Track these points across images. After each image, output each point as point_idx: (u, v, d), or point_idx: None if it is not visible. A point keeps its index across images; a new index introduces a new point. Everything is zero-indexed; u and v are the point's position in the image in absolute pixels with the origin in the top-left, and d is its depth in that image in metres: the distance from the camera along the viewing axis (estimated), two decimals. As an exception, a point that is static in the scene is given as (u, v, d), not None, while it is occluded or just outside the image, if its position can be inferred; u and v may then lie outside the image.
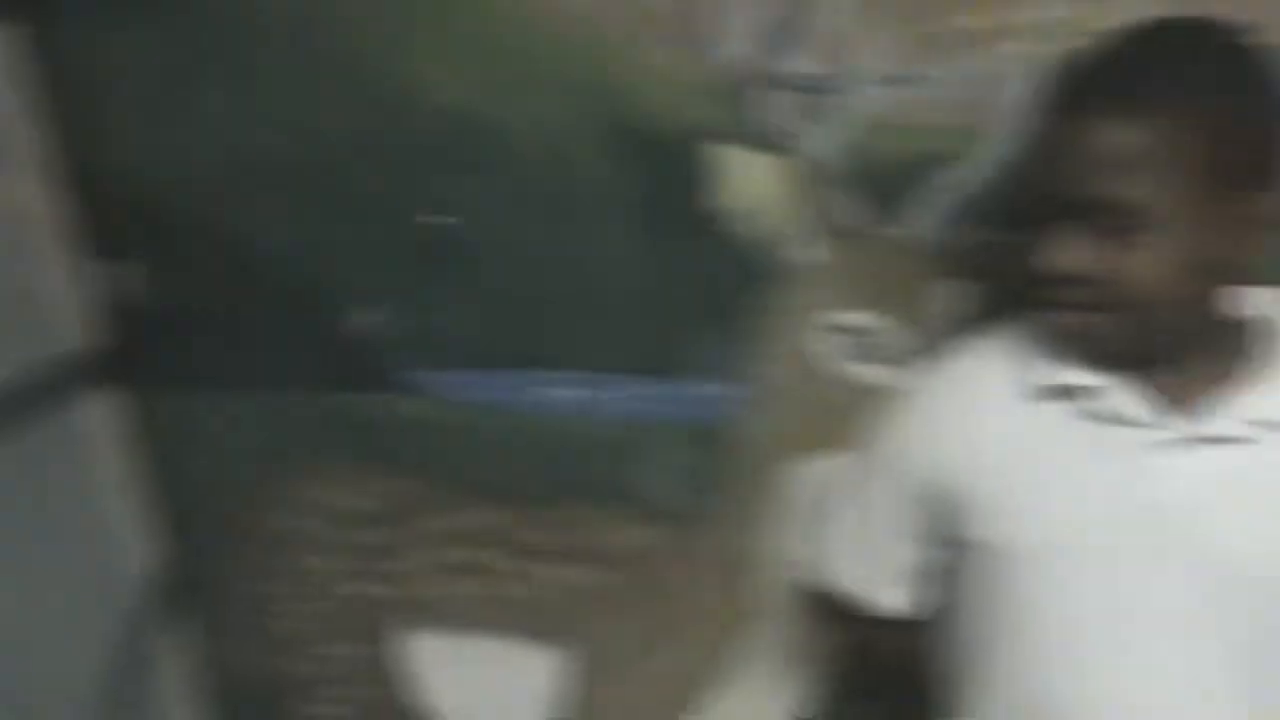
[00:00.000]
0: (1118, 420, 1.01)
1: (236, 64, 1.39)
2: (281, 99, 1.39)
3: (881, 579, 1.15)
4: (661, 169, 1.31)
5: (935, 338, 1.26)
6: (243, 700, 1.56)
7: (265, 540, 1.51)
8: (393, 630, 1.47)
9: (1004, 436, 1.05)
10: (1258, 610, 0.98)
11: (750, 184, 1.28)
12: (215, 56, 1.39)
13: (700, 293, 1.34)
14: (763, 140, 1.26)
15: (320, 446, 1.47)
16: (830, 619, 1.22)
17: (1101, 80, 0.98)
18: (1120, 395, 1.01)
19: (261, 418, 1.48)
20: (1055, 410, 1.03)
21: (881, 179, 1.24)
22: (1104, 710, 1.01)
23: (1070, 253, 0.97)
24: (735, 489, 1.36)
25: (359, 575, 1.48)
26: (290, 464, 1.49)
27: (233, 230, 1.44)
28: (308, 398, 1.47)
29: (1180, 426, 0.99)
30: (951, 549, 1.10)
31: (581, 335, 1.38)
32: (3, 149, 1.41)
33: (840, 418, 1.28)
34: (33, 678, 1.38)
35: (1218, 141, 0.94)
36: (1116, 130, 0.94)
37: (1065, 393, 1.03)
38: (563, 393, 1.39)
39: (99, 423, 1.50)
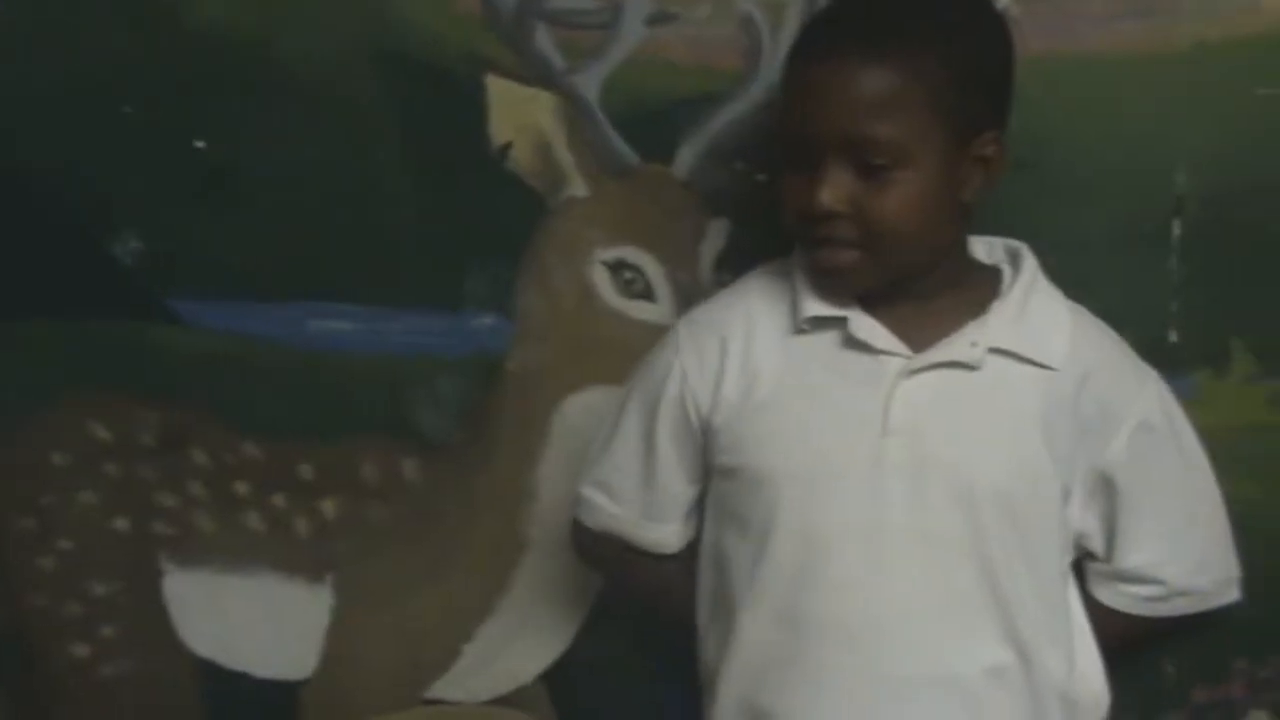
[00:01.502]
0: (864, 349, 1.07)
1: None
2: (40, 17, 1.33)
3: (652, 514, 1.19)
4: (434, 99, 1.31)
5: (700, 275, 1.29)
6: (3, 642, 1.51)
7: (17, 476, 1.44)
8: (159, 567, 1.44)
9: (766, 368, 1.10)
10: (1004, 528, 1.06)
11: (517, 117, 1.28)
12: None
13: (475, 225, 1.34)
14: (531, 74, 1.27)
15: (85, 377, 1.41)
16: (602, 553, 1.25)
17: (853, 22, 1.05)
18: (866, 325, 1.07)
19: (20, 346, 1.42)
20: (812, 342, 1.09)
21: (646, 116, 1.26)
22: (858, 628, 1.07)
23: (828, 189, 1.02)
24: (510, 422, 1.37)
25: (121, 510, 1.42)
26: (52, 395, 1.42)
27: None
28: (70, 326, 1.40)
29: (919, 354, 1.07)
30: (716, 479, 1.14)
31: (356, 267, 1.36)
32: None
33: (611, 352, 1.30)
34: None
35: (961, 82, 1.02)
36: (869, 69, 1.01)
37: (820, 324, 1.09)
38: (338, 325, 1.37)
39: None
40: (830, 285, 1.08)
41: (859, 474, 1.06)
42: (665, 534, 1.19)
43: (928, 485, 1.06)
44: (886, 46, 1.01)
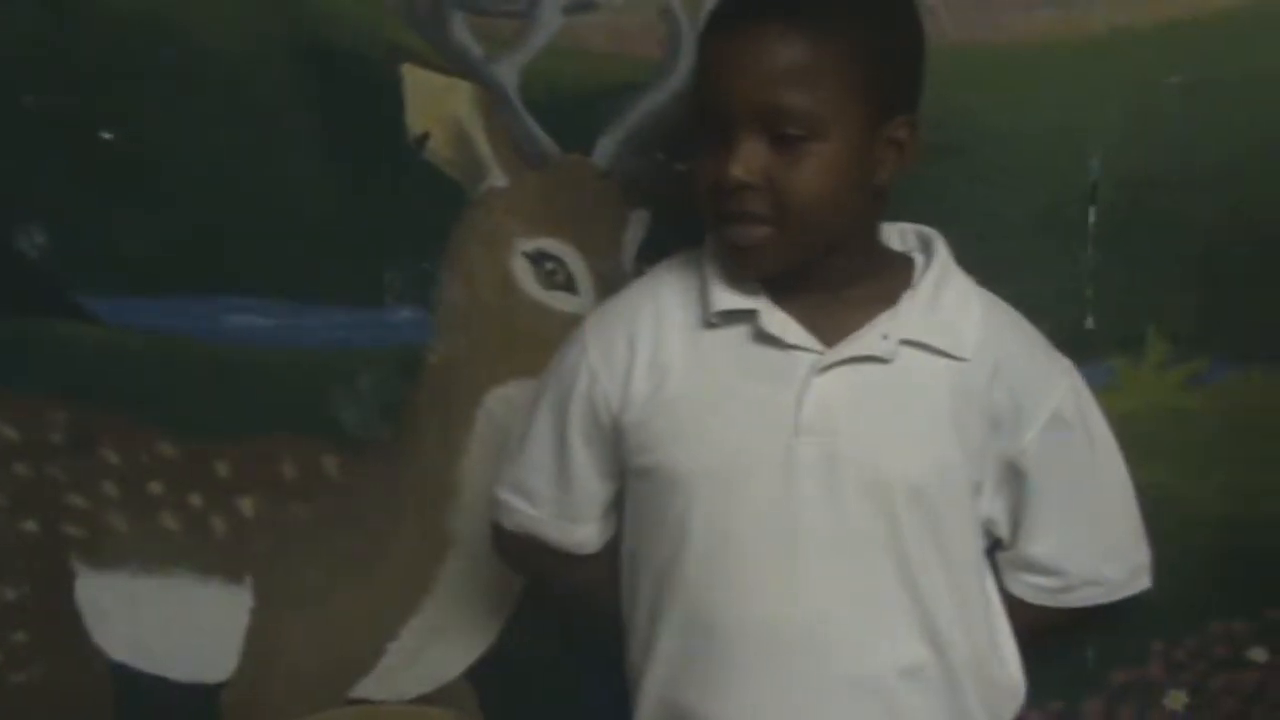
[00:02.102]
0: (775, 344, 1.06)
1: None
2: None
3: (569, 514, 1.17)
4: (352, 88, 1.28)
5: (621, 266, 1.28)
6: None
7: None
8: (70, 569, 1.40)
9: (676, 364, 1.09)
10: (918, 523, 1.05)
11: (435, 107, 1.26)
12: None
13: (395, 218, 1.31)
14: (449, 64, 1.25)
15: (-11, 375, 1.38)
16: (522, 554, 1.23)
17: None
18: (777, 319, 1.06)
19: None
20: (722, 336, 1.08)
21: (566, 105, 1.25)
22: (774, 630, 1.06)
23: (741, 161, 1.01)
24: (432, 416, 1.35)
25: (30, 512, 1.39)
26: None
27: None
28: (-27, 322, 1.37)
29: (830, 349, 1.05)
30: (630, 478, 1.13)
31: (273, 261, 1.34)
32: None
33: (533, 345, 1.28)
34: None
35: (875, 61, 1.02)
36: (784, 39, 1.00)
37: (730, 318, 1.07)
38: (254, 320, 1.34)
39: None
40: (740, 263, 1.06)
41: (771, 473, 1.05)
42: (583, 534, 1.17)
43: (841, 483, 1.05)
44: (801, 18, 1.00)
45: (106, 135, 1.30)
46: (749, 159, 1.01)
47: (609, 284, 1.27)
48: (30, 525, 1.39)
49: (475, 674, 1.38)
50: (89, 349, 1.36)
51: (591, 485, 1.15)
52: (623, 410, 1.10)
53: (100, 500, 1.38)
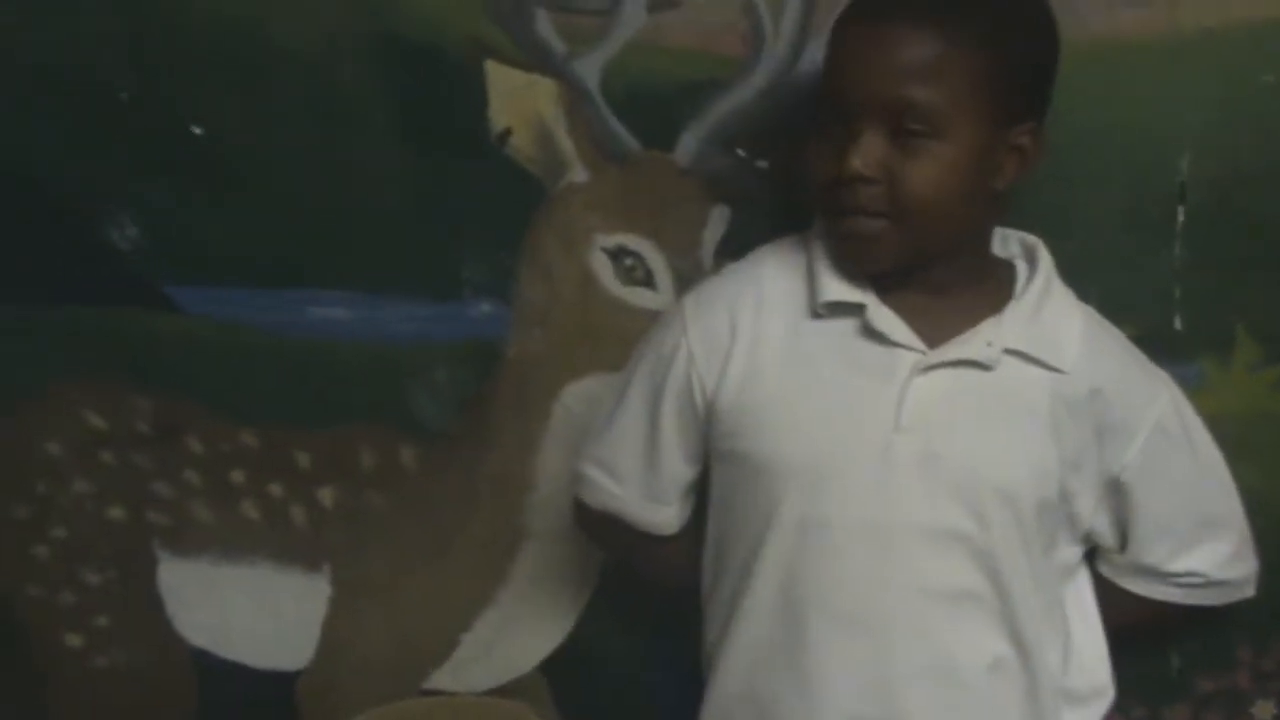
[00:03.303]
0: (880, 340, 1.06)
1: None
2: (38, 4, 1.31)
3: (653, 495, 1.17)
4: (432, 84, 1.29)
5: (700, 262, 1.28)
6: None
7: (13, 463, 1.43)
8: (152, 556, 1.43)
9: (776, 352, 1.09)
10: (1009, 526, 1.05)
11: (518, 103, 1.27)
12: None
13: (473, 212, 1.33)
14: (531, 60, 1.26)
15: (81, 365, 1.40)
16: (603, 531, 1.24)
17: None
18: (885, 316, 1.06)
19: (16, 333, 1.40)
20: (826, 327, 1.08)
21: (648, 102, 1.25)
22: (861, 620, 1.06)
23: (861, 154, 1.01)
24: (508, 410, 1.36)
25: (116, 499, 1.41)
26: (48, 383, 1.41)
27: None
28: (57, 312, 1.40)
29: (934, 350, 1.05)
30: (718, 463, 1.13)
31: (354, 254, 1.35)
32: None
33: (611, 340, 1.29)
34: None
35: (1006, 65, 1.01)
36: (916, 33, 1.00)
37: (836, 310, 1.07)
38: (331, 312, 1.36)
39: None
40: (853, 256, 1.06)
41: (867, 468, 1.05)
42: (665, 516, 1.18)
43: (936, 482, 1.05)
44: (935, 15, 1.00)
45: (197, 130, 1.32)
46: (869, 152, 1.01)
47: (688, 280, 1.27)
48: (116, 512, 1.42)
49: (549, 667, 1.39)
50: (175, 340, 1.38)
51: (677, 466, 1.15)
52: (717, 393, 1.10)
53: (184, 489, 1.40)
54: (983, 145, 1.02)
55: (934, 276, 1.06)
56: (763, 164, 1.25)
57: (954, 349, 1.05)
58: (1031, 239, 1.12)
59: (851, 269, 1.07)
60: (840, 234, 1.05)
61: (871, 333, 1.06)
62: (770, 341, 1.09)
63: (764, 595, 1.09)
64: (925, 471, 1.05)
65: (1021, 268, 1.11)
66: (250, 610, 1.43)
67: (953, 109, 1.00)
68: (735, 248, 1.24)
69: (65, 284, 1.38)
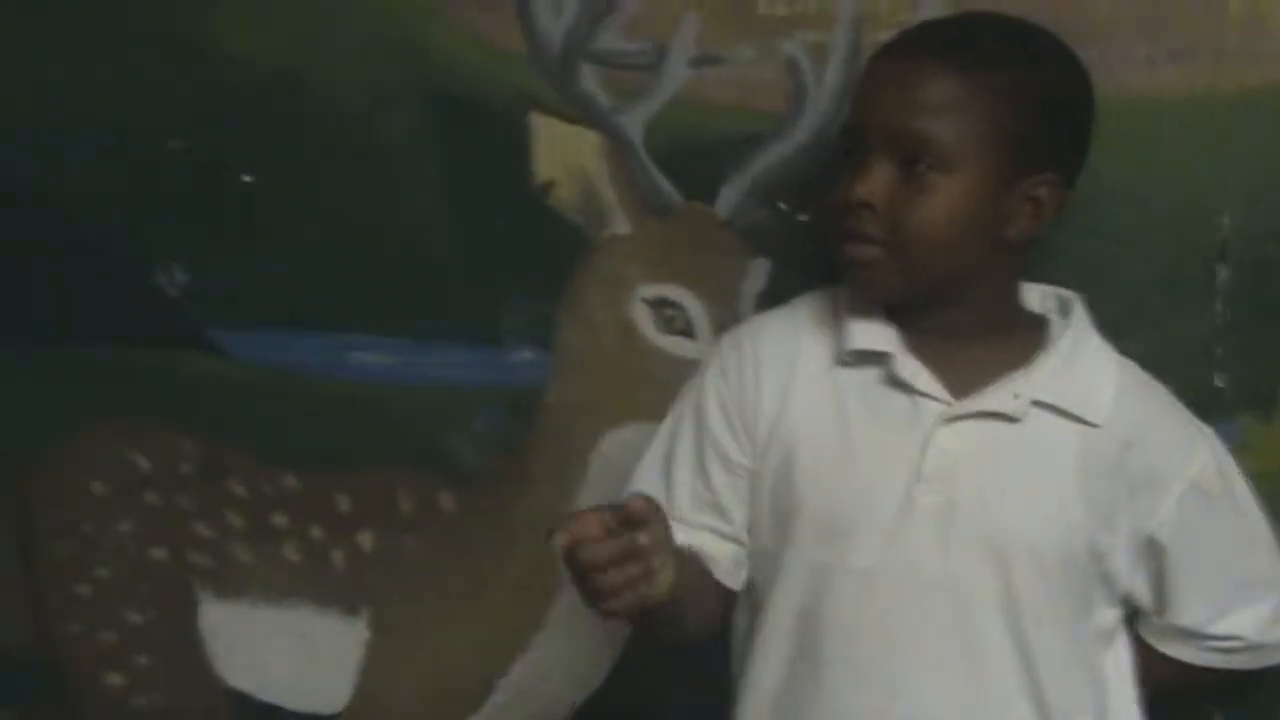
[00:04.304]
0: (904, 389, 1.06)
1: (45, 8, 1.35)
2: (91, 46, 1.35)
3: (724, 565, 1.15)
4: (476, 135, 1.32)
5: (739, 313, 1.29)
6: (28, 670, 1.50)
7: (57, 502, 1.46)
8: (192, 597, 1.44)
9: (803, 397, 1.09)
10: (1035, 585, 1.04)
11: (561, 155, 1.29)
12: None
13: (514, 260, 1.34)
14: (575, 112, 1.28)
15: (118, 406, 1.43)
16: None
17: (937, 31, 1.07)
18: (909, 365, 1.06)
19: (64, 374, 1.43)
20: (852, 375, 1.08)
21: (690, 156, 1.27)
22: (877, 672, 1.05)
23: (866, 182, 1.02)
24: (547, 457, 1.37)
25: (158, 539, 1.43)
26: (85, 423, 1.44)
27: (28, 180, 1.39)
28: (105, 354, 1.42)
29: (959, 400, 1.05)
30: (753, 513, 1.12)
31: (396, 300, 1.37)
32: None
33: (650, 389, 1.30)
34: None
35: (1029, 111, 1.02)
36: (935, 70, 1.01)
37: (862, 358, 1.08)
38: (375, 357, 1.38)
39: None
40: (852, 281, 1.07)
41: (886, 517, 1.05)
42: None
43: (958, 535, 1.04)
44: (960, 53, 1.01)
45: (245, 178, 1.35)
46: (873, 180, 1.02)
47: (727, 330, 1.27)
48: (158, 553, 1.44)
49: (584, 713, 1.39)
50: (219, 382, 1.40)
51: (709, 518, 1.13)
52: (751, 433, 1.10)
53: (225, 530, 1.42)
54: (991, 190, 1.02)
55: (955, 323, 1.06)
56: (803, 218, 1.26)
57: (980, 400, 1.05)
58: (1067, 293, 1.12)
59: (880, 318, 1.07)
60: (842, 260, 1.06)
61: (897, 382, 1.06)
62: (798, 387, 1.09)
63: (780, 641, 1.08)
64: (945, 524, 1.04)
65: (1056, 321, 1.10)
66: (289, 653, 1.44)
67: (962, 148, 1.00)
68: (775, 300, 1.25)
69: (114, 326, 1.41)
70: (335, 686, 1.43)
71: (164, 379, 1.41)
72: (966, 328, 1.07)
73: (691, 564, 1.07)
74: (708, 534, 1.12)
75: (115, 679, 1.47)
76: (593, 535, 0.91)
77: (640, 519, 0.91)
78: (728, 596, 1.14)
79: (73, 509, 1.45)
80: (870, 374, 1.08)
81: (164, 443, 1.42)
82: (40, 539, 1.47)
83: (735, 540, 1.12)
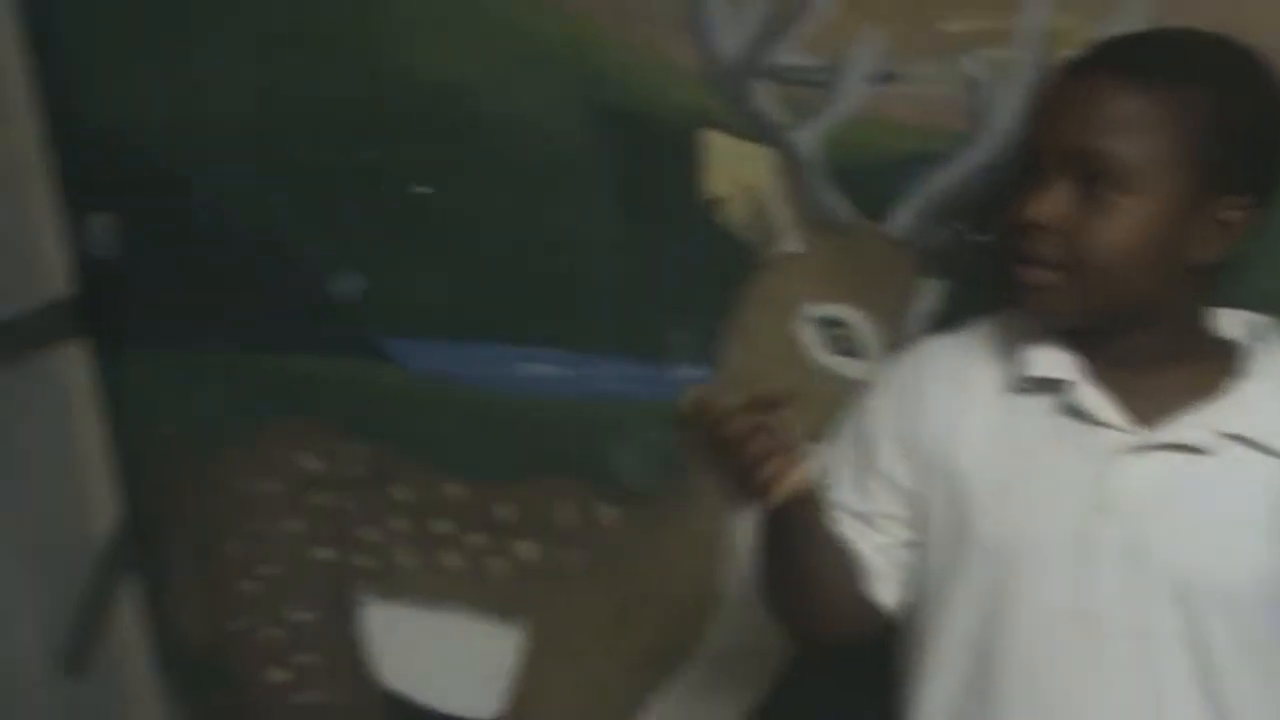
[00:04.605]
0: (1086, 419, 1.02)
1: (222, 24, 1.39)
2: (265, 62, 1.39)
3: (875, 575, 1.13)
4: (647, 151, 1.32)
5: (913, 334, 1.27)
6: (200, 663, 1.56)
7: (231, 501, 1.50)
8: (355, 598, 1.48)
9: (976, 424, 1.06)
10: (1228, 630, 0.99)
11: (734, 172, 1.29)
12: (206, 15, 1.39)
13: (682, 276, 1.34)
14: (748, 129, 1.27)
15: (292, 409, 1.47)
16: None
17: (1119, 47, 1.02)
18: (1089, 393, 1.02)
19: (240, 376, 1.48)
20: (1028, 403, 1.05)
21: (864, 174, 1.25)
22: (1059, 711, 1.02)
23: (1043, 203, 0.98)
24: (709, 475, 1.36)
25: (325, 540, 1.47)
26: (259, 425, 1.48)
27: (211, 190, 1.44)
28: (282, 360, 1.46)
29: (1145, 431, 1.01)
30: (921, 536, 1.10)
31: (561, 313, 1.39)
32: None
33: (815, 408, 1.26)
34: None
35: (1217, 133, 0.97)
36: (1118, 85, 0.97)
37: (1039, 385, 1.04)
38: (540, 369, 1.40)
39: (74, 374, 1.50)
40: (1028, 305, 1.03)
41: (1064, 553, 1.01)
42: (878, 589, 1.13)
43: (1143, 575, 0.99)
44: (1146, 68, 0.97)
45: (421, 190, 1.38)
46: (1049, 202, 0.98)
47: (895, 352, 1.26)
48: (324, 553, 1.48)
49: (740, 734, 1.39)
50: (389, 390, 1.44)
51: (878, 539, 1.12)
52: (914, 453, 1.08)
53: (390, 534, 1.45)
54: (1177, 212, 0.97)
55: (1139, 350, 1.02)
56: (982, 239, 1.23)
57: (1168, 431, 1.00)
58: (1263, 319, 1.07)
59: (1059, 344, 1.03)
60: (1016, 283, 1.02)
61: (1076, 411, 1.02)
62: (970, 412, 1.07)
63: (950, 675, 1.06)
64: (1130, 562, 1.00)
65: (1248, 349, 1.05)
66: (446, 657, 1.46)
67: (1145, 168, 0.96)
68: (951, 323, 1.22)
69: (292, 333, 1.45)
70: (490, 692, 1.45)
71: (337, 385, 1.45)
72: (1151, 355, 1.03)
73: (842, 544, 1.08)
74: (863, 545, 1.10)
75: (278, 675, 1.51)
76: (723, 406, 0.95)
77: (773, 402, 0.96)
78: (867, 607, 1.11)
79: (242, 508, 1.50)
80: (1047, 402, 1.04)
81: (334, 446, 1.46)
82: (213, 537, 1.52)
83: (889, 559, 1.11)
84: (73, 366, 1.49)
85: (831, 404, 1.23)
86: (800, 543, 1.05)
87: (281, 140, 1.41)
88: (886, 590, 1.11)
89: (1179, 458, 1.00)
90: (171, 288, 1.47)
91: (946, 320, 1.24)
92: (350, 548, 1.47)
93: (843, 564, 1.09)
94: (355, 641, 1.48)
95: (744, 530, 1.34)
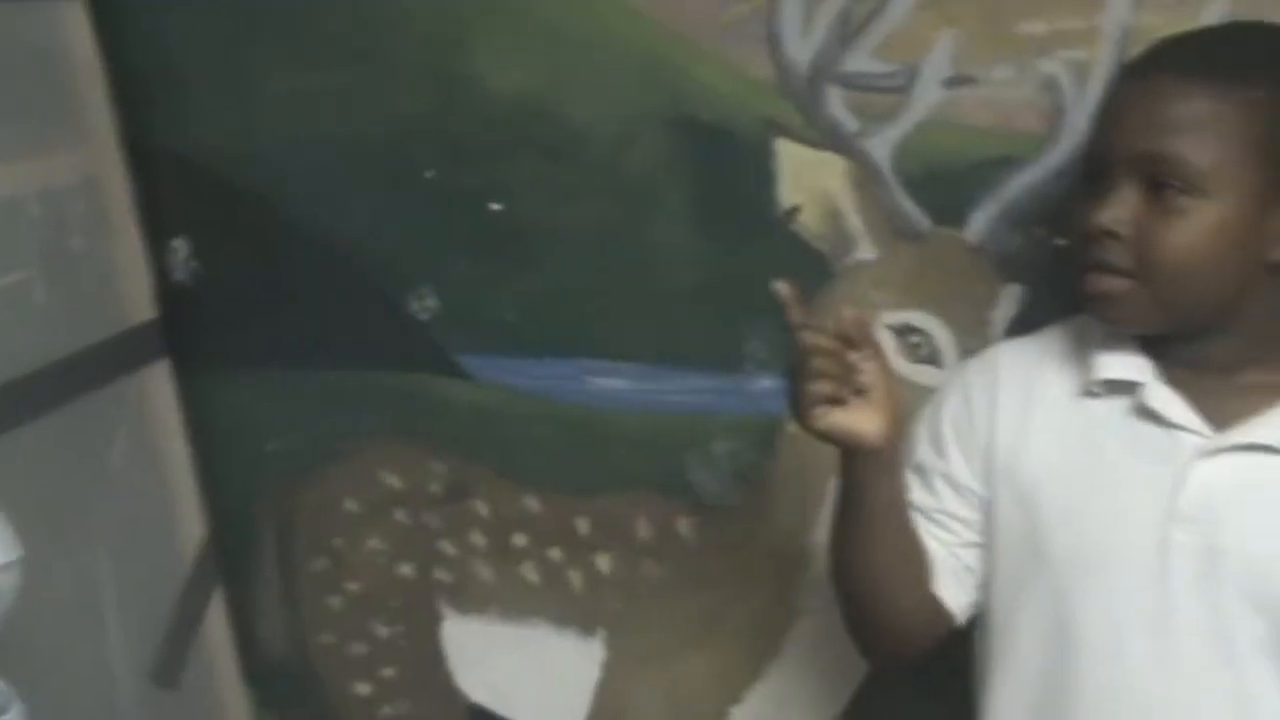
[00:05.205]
0: (1160, 421, 1.00)
1: (299, 44, 1.41)
2: (343, 81, 1.41)
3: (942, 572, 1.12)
4: (722, 162, 1.31)
5: (988, 341, 1.24)
6: (287, 677, 1.58)
7: (314, 518, 1.53)
8: (438, 613, 1.49)
9: (1048, 428, 1.05)
10: None
11: (809, 181, 1.28)
12: (279, 35, 1.41)
13: (758, 287, 1.32)
14: (824, 137, 1.26)
15: (372, 427, 1.49)
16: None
17: (1185, 46, 0.99)
18: (1162, 394, 1.00)
19: (323, 395, 1.50)
20: (1100, 406, 1.03)
21: (940, 180, 1.24)
22: (1127, 710, 1.00)
23: (1111, 209, 0.96)
24: (787, 487, 1.35)
25: (407, 556, 1.49)
26: (341, 443, 1.50)
27: (289, 210, 1.46)
28: (360, 378, 1.48)
29: (1220, 433, 0.98)
30: (988, 540, 1.09)
31: (639, 326, 1.39)
32: (80, 123, 1.44)
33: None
34: (80, 644, 1.41)
35: None
36: (1184, 85, 0.95)
37: (1111, 388, 1.02)
38: (617, 383, 1.40)
39: (159, 396, 1.53)
40: (1098, 313, 1.01)
41: (1140, 558, 0.99)
42: (950, 593, 1.11)
43: (1221, 579, 0.97)
44: (1212, 67, 0.95)
45: (495, 206, 1.39)
46: (1118, 207, 0.96)
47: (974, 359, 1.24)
48: (406, 569, 1.49)
49: (820, 746, 1.38)
50: (466, 406, 1.45)
51: (956, 546, 1.11)
52: (987, 457, 1.07)
53: (469, 549, 1.46)
54: (1251, 213, 0.94)
55: (1215, 353, 0.99)
56: (1060, 243, 1.21)
57: (1244, 432, 0.98)
58: None
59: (1132, 348, 1.01)
60: (1085, 291, 1.00)
61: (1148, 413, 1.00)
62: (1040, 417, 1.05)
63: (1026, 669, 1.04)
64: (1207, 566, 0.97)
65: None
66: (527, 670, 1.47)
67: (1217, 169, 0.93)
68: (1029, 329, 1.20)
69: (368, 350, 1.47)
70: (571, 705, 1.46)
71: (415, 402, 1.46)
72: (1228, 358, 1.00)
73: (914, 535, 1.07)
74: (931, 542, 1.09)
75: (364, 688, 1.53)
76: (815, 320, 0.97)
77: (854, 338, 0.97)
78: (933, 605, 1.10)
79: (328, 525, 1.52)
80: (1120, 404, 1.02)
81: (414, 463, 1.47)
82: (298, 554, 1.54)
83: (956, 559, 1.09)
84: (158, 389, 1.53)
85: (908, 412, 1.21)
86: (868, 518, 1.03)
87: (357, 160, 1.43)
88: (952, 591, 1.10)
89: (1254, 458, 0.98)
90: (251, 309, 1.50)
91: (1025, 326, 1.21)
92: (431, 562, 1.48)
93: (913, 554, 1.08)
94: (437, 655, 1.50)
95: (823, 544, 1.34)
